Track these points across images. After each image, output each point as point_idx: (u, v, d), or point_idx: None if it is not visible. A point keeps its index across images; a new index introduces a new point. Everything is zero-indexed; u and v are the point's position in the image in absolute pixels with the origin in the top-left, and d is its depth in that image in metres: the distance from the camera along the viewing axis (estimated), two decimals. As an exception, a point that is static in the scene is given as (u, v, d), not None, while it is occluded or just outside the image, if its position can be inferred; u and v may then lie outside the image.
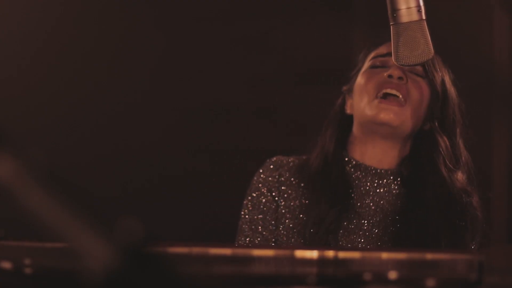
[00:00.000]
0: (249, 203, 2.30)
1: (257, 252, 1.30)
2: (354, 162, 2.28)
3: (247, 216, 2.28)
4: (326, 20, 3.39)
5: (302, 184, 2.27)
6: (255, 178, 2.32)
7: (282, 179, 2.29)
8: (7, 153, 0.72)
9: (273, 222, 2.27)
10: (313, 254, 1.28)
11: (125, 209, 3.44)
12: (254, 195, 2.30)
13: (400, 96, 2.20)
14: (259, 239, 2.26)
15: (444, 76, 2.31)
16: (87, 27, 3.51)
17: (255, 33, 3.48)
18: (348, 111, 2.32)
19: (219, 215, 2.91)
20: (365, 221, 2.22)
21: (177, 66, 3.53)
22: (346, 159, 2.28)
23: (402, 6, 1.76)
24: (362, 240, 2.21)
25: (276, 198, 2.27)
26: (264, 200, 2.28)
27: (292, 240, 2.23)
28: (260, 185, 2.30)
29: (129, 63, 3.52)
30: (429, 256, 1.28)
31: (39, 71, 3.51)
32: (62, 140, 3.50)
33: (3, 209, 0.90)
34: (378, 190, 2.26)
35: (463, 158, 2.31)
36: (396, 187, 2.26)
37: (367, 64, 2.28)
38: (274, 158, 2.33)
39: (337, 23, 3.35)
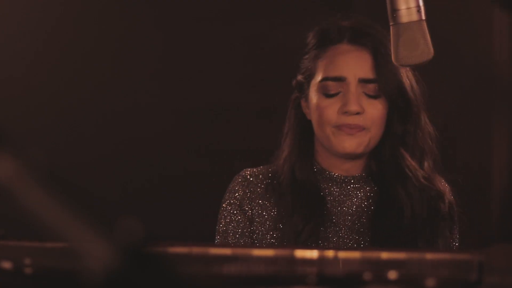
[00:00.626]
0: (222, 219, 2.27)
1: (257, 252, 1.30)
2: (323, 173, 2.24)
3: (221, 231, 2.26)
4: (326, 20, 3.39)
5: (272, 198, 2.23)
6: (226, 194, 2.28)
7: (253, 194, 2.24)
8: (7, 153, 0.72)
9: (245, 238, 2.23)
10: (313, 254, 1.28)
11: (125, 209, 3.44)
12: (226, 212, 2.26)
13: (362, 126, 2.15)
14: None
15: (400, 77, 2.19)
16: (87, 27, 3.51)
17: (255, 33, 3.48)
18: (308, 117, 2.24)
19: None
20: (342, 228, 2.20)
21: (177, 66, 3.53)
22: (315, 168, 2.24)
23: (402, 6, 1.76)
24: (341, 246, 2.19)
25: (249, 213, 2.24)
26: (236, 216, 2.25)
27: None
28: (231, 201, 2.26)
29: (129, 63, 3.52)
30: (429, 256, 1.28)
31: (39, 71, 3.51)
32: (62, 140, 3.50)
33: (3, 209, 0.90)
34: (350, 197, 2.23)
35: (426, 146, 2.25)
36: (368, 190, 2.24)
37: (317, 83, 2.17)
38: (243, 172, 2.28)
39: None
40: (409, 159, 2.19)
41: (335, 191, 2.23)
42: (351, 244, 2.20)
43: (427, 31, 1.79)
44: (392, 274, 1.18)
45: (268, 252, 1.30)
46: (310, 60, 2.23)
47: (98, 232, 0.73)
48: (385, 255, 1.26)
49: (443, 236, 2.22)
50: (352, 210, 2.22)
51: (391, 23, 1.80)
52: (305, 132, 2.25)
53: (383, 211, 2.19)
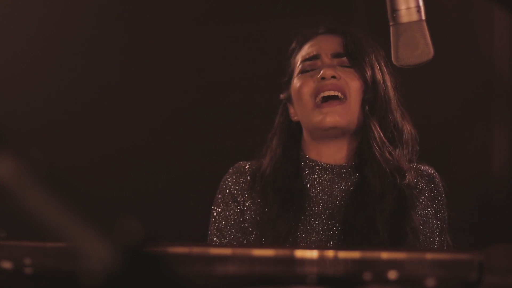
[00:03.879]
0: (216, 211, 2.31)
1: (257, 252, 1.30)
2: (311, 163, 2.29)
3: (216, 224, 2.30)
4: (325, 20, 3.39)
5: (257, 187, 2.29)
6: (221, 185, 2.35)
7: (244, 185, 2.31)
8: (7, 153, 0.72)
9: (238, 229, 2.28)
10: (313, 254, 1.28)
11: (125, 209, 3.44)
12: (220, 203, 2.32)
13: (340, 94, 2.22)
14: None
15: (371, 59, 2.29)
16: (87, 28, 3.51)
17: (255, 33, 3.48)
18: (295, 118, 2.33)
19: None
20: (324, 220, 2.23)
21: (177, 67, 3.52)
22: (302, 162, 2.30)
23: (402, 6, 1.76)
24: (322, 238, 2.21)
25: (241, 206, 2.29)
26: (229, 208, 2.30)
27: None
28: (226, 192, 2.32)
29: (129, 64, 3.52)
30: (429, 256, 1.28)
31: (39, 71, 3.51)
32: (61, 140, 3.50)
33: (3, 209, 0.90)
34: (338, 185, 2.27)
35: (404, 135, 2.30)
36: (353, 179, 2.27)
37: (297, 69, 2.30)
38: (237, 164, 2.37)
39: (336, 24, 3.35)
40: (378, 147, 2.22)
41: (323, 180, 2.25)
42: (331, 233, 2.21)
43: (427, 31, 1.79)
44: (392, 274, 1.18)
45: (268, 252, 1.30)
46: (292, 59, 2.35)
47: (98, 232, 0.73)
48: (385, 255, 1.26)
49: (420, 208, 2.23)
50: (337, 200, 2.24)
51: (391, 23, 1.80)
52: (292, 131, 2.34)
53: (357, 203, 2.22)
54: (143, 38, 3.50)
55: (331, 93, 2.21)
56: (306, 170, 2.29)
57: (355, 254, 1.28)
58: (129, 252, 0.73)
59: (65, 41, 3.50)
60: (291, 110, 2.34)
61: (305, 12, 3.41)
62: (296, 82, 2.27)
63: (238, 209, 2.28)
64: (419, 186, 2.27)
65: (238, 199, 2.29)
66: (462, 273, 1.22)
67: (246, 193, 2.29)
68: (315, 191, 2.26)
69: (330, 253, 1.27)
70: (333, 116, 2.20)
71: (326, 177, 2.27)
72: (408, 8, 1.76)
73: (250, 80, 3.51)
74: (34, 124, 3.47)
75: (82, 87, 3.51)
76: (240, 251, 1.32)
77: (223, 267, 1.29)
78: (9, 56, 3.49)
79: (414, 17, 1.77)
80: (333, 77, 2.22)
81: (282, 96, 2.38)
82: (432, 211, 2.27)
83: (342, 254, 1.28)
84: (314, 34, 2.33)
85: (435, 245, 2.25)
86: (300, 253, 1.28)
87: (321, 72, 2.22)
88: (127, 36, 3.51)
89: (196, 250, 1.30)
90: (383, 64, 2.31)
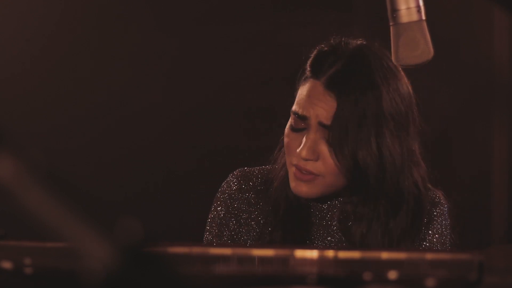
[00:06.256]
0: (212, 220, 2.24)
1: (257, 252, 1.30)
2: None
3: (212, 232, 2.25)
4: (325, 20, 3.39)
5: (261, 204, 2.20)
6: (217, 195, 2.25)
7: (244, 196, 2.22)
8: (7, 153, 0.72)
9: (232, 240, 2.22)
10: (313, 254, 1.28)
11: (125, 209, 3.44)
12: (216, 212, 2.23)
13: (311, 176, 2.07)
14: None
15: (368, 131, 2.05)
16: (87, 28, 3.51)
17: (255, 33, 3.48)
18: None
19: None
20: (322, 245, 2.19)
21: (177, 67, 3.53)
22: None
23: (402, 6, 1.76)
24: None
25: (236, 214, 2.21)
26: (224, 219, 2.22)
27: None
28: (221, 201, 2.24)
29: (128, 64, 3.52)
30: (429, 256, 1.28)
31: (40, 72, 3.51)
32: (61, 140, 3.50)
33: (3, 209, 0.90)
34: (335, 215, 2.18)
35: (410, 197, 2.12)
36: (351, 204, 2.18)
37: (290, 114, 2.12)
38: (237, 173, 2.25)
39: (336, 24, 3.35)
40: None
41: (323, 208, 2.21)
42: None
43: (427, 31, 1.79)
44: (392, 274, 1.18)
45: (268, 252, 1.30)
46: (298, 84, 2.17)
47: (98, 232, 0.73)
48: (385, 255, 1.26)
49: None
50: (337, 229, 2.20)
51: (391, 23, 1.80)
52: None
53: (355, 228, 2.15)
54: (143, 38, 3.50)
55: (302, 170, 2.07)
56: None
57: (355, 254, 1.28)
58: (129, 252, 0.73)
59: (65, 41, 3.50)
60: None
61: (305, 12, 3.41)
62: (286, 131, 2.13)
63: (234, 220, 2.23)
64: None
65: (235, 211, 2.24)
66: (462, 273, 1.22)
67: (243, 204, 2.21)
68: (317, 219, 2.20)
69: (330, 253, 1.27)
70: (304, 188, 2.07)
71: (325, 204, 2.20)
72: (408, 8, 1.76)
73: (250, 80, 3.51)
74: (34, 124, 3.47)
75: (82, 87, 3.51)
76: (240, 251, 1.32)
77: (223, 267, 1.29)
78: (9, 56, 3.49)
79: (414, 17, 1.77)
80: (307, 159, 2.05)
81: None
82: (429, 238, 2.21)
83: (342, 254, 1.28)
84: (318, 76, 2.09)
85: None
86: (300, 253, 1.28)
87: (300, 149, 2.06)
88: (127, 36, 3.51)
89: (196, 250, 1.30)
90: (387, 125, 2.06)
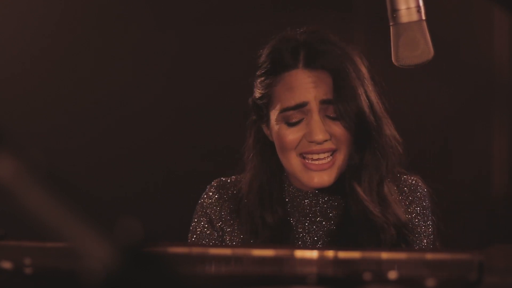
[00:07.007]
0: (193, 231, 2.25)
1: (257, 252, 1.30)
2: (292, 189, 2.20)
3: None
4: (325, 20, 3.39)
5: (241, 214, 2.20)
6: (197, 207, 2.27)
7: (223, 207, 2.23)
8: (7, 153, 0.72)
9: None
10: (313, 254, 1.28)
11: (125, 209, 3.44)
12: (197, 224, 2.25)
13: (329, 156, 2.10)
14: None
15: (360, 93, 2.10)
16: (87, 28, 3.51)
17: (255, 33, 3.48)
18: (271, 138, 2.20)
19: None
20: (309, 238, 2.19)
21: (177, 67, 3.52)
22: (285, 185, 2.21)
23: (402, 6, 1.76)
24: None
25: (218, 225, 2.22)
26: (206, 230, 2.23)
27: None
28: (202, 213, 2.25)
29: (128, 64, 3.52)
30: (429, 256, 1.28)
31: (40, 72, 3.51)
32: (61, 140, 3.50)
33: (3, 209, 0.90)
34: (322, 212, 2.19)
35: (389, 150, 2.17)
36: (338, 203, 2.20)
37: (278, 116, 2.12)
38: (214, 183, 2.27)
39: (336, 24, 3.35)
40: (363, 191, 2.12)
41: (306, 207, 2.20)
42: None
43: (427, 31, 1.79)
44: (392, 274, 1.18)
45: (268, 252, 1.30)
46: (267, 86, 2.19)
47: (98, 232, 0.73)
48: (385, 255, 1.26)
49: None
50: (322, 226, 2.20)
51: (391, 23, 1.80)
52: (271, 153, 2.20)
53: (345, 226, 2.16)
54: (143, 38, 3.50)
55: (321, 156, 2.09)
56: (290, 197, 2.21)
57: (355, 254, 1.28)
58: (129, 252, 0.73)
59: (65, 41, 3.50)
60: (267, 132, 2.21)
61: (305, 12, 3.41)
62: (279, 132, 2.13)
63: (215, 231, 2.22)
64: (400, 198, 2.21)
65: (215, 222, 2.21)
66: (462, 273, 1.22)
67: (223, 213, 2.21)
68: (301, 219, 2.19)
69: (330, 253, 1.27)
70: (321, 177, 2.09)
71: (310, 200, 2.20)
72: (408, 8, 1.76)
73: (250, 80, 3.51)
74: (34, 124, 3.47)
75: (82, 87, 3.51)
76: (240, 251, 1.32)
77: (223, 267, 1.29)
78: (9, 56, 3.49)
79: (414, 17, 1.77)
80: (325, 140, 2.08)
81: (252, 119, 2.25)
82: (412, 215, 2.21)
83: (342, 254, 1.28)
84: (293, 64, 2.12)
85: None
86: (300, 253, 1.28)
87: (312, 136, 2.08)
88: (127, 36, 3.51)
89: (196, 250, 1.30)
90: (371, 89, 2.13)
